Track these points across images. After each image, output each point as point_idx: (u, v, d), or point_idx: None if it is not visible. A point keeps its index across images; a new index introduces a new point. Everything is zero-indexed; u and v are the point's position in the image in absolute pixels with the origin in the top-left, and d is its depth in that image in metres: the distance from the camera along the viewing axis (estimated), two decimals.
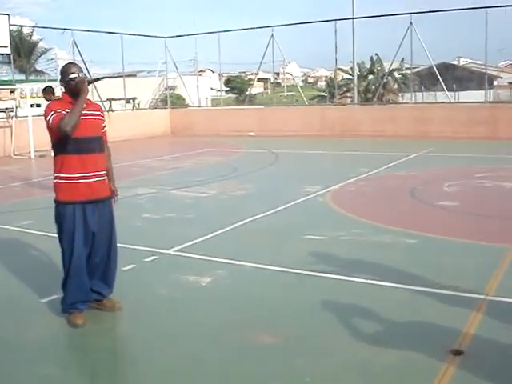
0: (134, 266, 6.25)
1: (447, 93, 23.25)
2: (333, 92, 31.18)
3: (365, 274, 5.76)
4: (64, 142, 4.59)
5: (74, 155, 4.64)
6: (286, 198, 9.84)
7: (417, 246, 6.90)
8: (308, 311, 4.95)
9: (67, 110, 4.55)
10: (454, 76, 37.15)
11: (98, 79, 5.49)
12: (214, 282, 5.75)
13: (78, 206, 4.67)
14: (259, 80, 53.14)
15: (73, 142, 4.58)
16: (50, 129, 4.63)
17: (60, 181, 4.72)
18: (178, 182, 12.11)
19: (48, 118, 4.59)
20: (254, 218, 8.43)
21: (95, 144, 4.76)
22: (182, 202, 10.04)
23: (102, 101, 21.89)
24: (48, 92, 10.85)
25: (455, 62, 43.75)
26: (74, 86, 4.62)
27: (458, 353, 4.03)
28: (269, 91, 62.75)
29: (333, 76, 37.86)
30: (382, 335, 4.40)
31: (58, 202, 4.75)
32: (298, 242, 7.14)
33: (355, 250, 6.71)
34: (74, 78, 4.63)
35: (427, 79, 32.16)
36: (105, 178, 4.88)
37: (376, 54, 36.75)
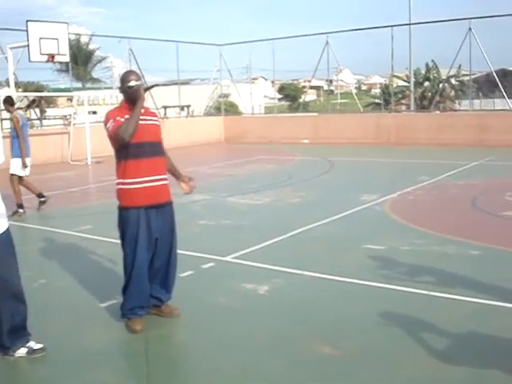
0: (191, 272, 6.22)
1: (507, 100, 22.62)
2: (388, 99, 30.78)
3: (428, 285, 5.58)
4: (125, 148, 4.62)
5: (135, 160, 4.66)
6: (342, 206, 9.68)
7: (481, 257, 6.66)
8: (371, 323, 4.80)
9: (126, 117, 4.58)
10: None
11: (152, 86, 5.52)
12: (272, 290, 5.66)
13: (142, 211, 4.68)
14: (312, 87, 52.97)
15: (134, 147, 4.61)
16: (109, 136, 4.67)
17: (123, 186, 4.73)
18: (233, 189, 12.09)
19: (108, 126, 4.65)
20: (310, 226, 8.31)
21: (155, 148, 4.79)
22: (238, 209, 10.00)
23: (157, 108, 22.16)
24: (7, 102, 9.93)
25: None
26: (132, 94, 4.66)
27: None
28: (322, 98, 62.51)
29: (387, 83, 37.42)
30: (450, 350, 4.22)
31: (121, 208, 4.77)
32: (356, 251, 6.98)
33: (417, 260, 6.52)
34: (132, 85, 4.67)
35: (485, 86, 31.44)
36: (166, 182, 4.89)
37: (432, 61, 36.11)
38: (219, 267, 6.51)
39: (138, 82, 4.70)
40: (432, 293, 5.39)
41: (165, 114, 24.71)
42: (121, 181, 4.75)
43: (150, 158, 4.71)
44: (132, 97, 4.66)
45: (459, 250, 6.88)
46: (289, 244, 7.51)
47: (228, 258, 6.77)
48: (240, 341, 4.55)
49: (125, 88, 4.71)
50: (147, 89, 4.95)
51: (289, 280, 5.99)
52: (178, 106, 26.37)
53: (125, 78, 4.75)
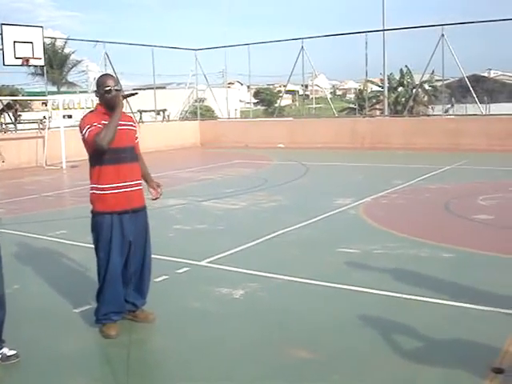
0: (166, 277, 6.22)
1: (479, 105, 22.96)
2: (362, 104, 31.04)
3: (402, 288, 5.64)
4: (100, 153, 4.60)
5: (110, 165, 4.64)
6: (317, 210, 9.74)
7: (454, 260, 6.75)
8: (346, 326, 4.84)
9: (103, 122, 4.55)
10: (485, 88, 36.72)
11: (132, 94, 5.47)
12: (248, 294, 5.68)
13: (116, 216, 4.67)
14: (288, 92, 53.21)
15: (109, 152, 4.58)
16: (85, 141, 4.63)
17: (97, 191, 4.71)
18: (209, 194, 12.10)
19: (84, 132, 4.59)
20: (286, 230, 8.35)
21: (130, 153, 4.77)
22: (213, 214, 10.01)
23: (132, 112, 22.07)
24: None
25: (486, 74, 43.26)
26: (109, 100, 4.63)
27: (499, 371, 3.90)
28: (297, 103, 62.79)
29: (362, 88, 37.74)
30: (423, 352, 4.27)
31: (95, 213, 4.75)
32: (331, 255, 7.04)
33: (391, 263, 6.59)
34: (109, 90, 4.63)
35: (458, 91, 31.83)
36: (140, 187, 4.88)
37: (406, 66, 36.54)
38: (194, 272, 6.50)
39: (116, 87, 4.66)
40: (405, 296, 5.45)
41: (140, 118, 24.62)
42: (95, 186, 4.73)
43: (124, 164, 4.69)
44: (110, 103, 4.62)
45: (432, 254, 6.97)
46: (264, 248, 7.54)
47: (203, 263, 6.77)
48: (215, 345, 4.56)
49: (101, 92, 4.67)
50: (126, 96, 4.92)
51: (264, 284, 6.01)
52: (154, 111, 26.29)
53: (102, 82, 4.70)
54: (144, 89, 29.57)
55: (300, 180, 14.12)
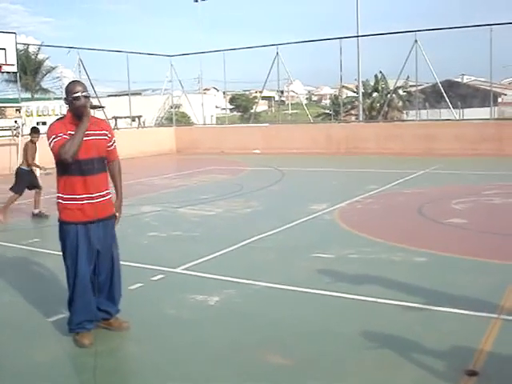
0: (141, 284, 6.18)
1: (452, 110, 23.24)
2: (337, 110, 31.23)
3: (376, 292, 5.68)
4: (66, 164, 4.53)
5: (75, 176, 4.59)
6: (292, 215, 9.77)
7: (427, 264, 6.81)
8: (320, 331, 4.86)
9: (70, 133, 4.48)
10: (459, 93, 37.15)
11: (99, 107, 5.37)
12: (223, 301, 5.68)
13: (81, 226, 4.63)
14: (263, 98, 53.28)
15: (74, 163, 4.53)
16: (51, 151, 4.57)
17: (62, 201, 4.67)
18: (184, 200, 12.07)
19: (49, 142, 4.53)
20: (261, 236, 8.36)
21: (97, 165, 4.68)
22: (189, 220, 9.99)
23: (107, 119, 21.96)
24: None
25: (459, 80, 43.79)
26: (78, 107, 4.56)
27: (472, 373, 3.94)
28: (273, 109, 62.92)
29: (337, 94, 37.97)
30: (397, 356, 4.29)
31: (61, 222, 4.72)
32: (306, 260, 7.06)
33: (365, 268, 6.63)
34: (78, 97, 4.57)
35: (432, 97, 32.17)
36: (108, 197, 4.82)
37: (380, 72, 36.86)
38: (169, 279, 6.48)
39: (85, 94, 4.59)
40: (380, 300, 5.49)
41: (115, 124, 24.49)
42: (61, 195, 4.69)
43: (91, 176, 4.62)
44: (78, 111, 4.56)
45: (406, 257, 7.03)
46: (240, 254, 7.55)
47: (178, 270, 6.75)
48: (191, 352, 4.55)
49: (70, 99, 4.60)
50: (94, 107, 4.86)
51: (239, 290, 6.01)
52: (129, 117, 26.18)
53: (70, 89, 4.62)
54: (119, 95, 29.45)
55: (275, 186, 14.16)
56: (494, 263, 6.77)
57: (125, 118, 26.25)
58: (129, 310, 5.14)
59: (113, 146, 4.95)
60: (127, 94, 26.07)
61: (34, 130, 11.04)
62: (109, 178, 4.91)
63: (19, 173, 10.72)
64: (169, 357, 4.47)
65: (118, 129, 24.09)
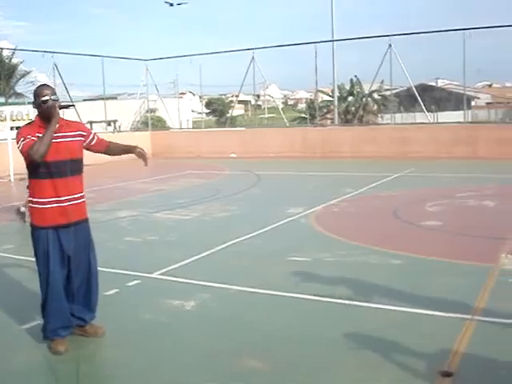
0: (117, 290, 6.14)
1: (426, 113, 23.48)
2: (313, 114, 31.36)
3: (352, 295, 5.71)
4: (36, 167, 4.49)
5: (45, 180, 4.54)
6: (269, 219, 9.79)
7: (403, 266, 6.87)
8: (298, 335, 4.87)
9: (38, 135, 4.43)
10: (433, 97, 37.52)
11: (68, 106, 5.30)
12: (199, 305, 5.66)
13: (52, 230, 4.57)
14: (240, 102, 53.35)
15: (44, 166, 4.48)
16: (21, 153, 4.51)
17: (33, 205, 4.63)
18: (161, 205, 12.02)
19: (18, 145, 4.47)
20: (238, 240, 8.36)
21: (68, 167, 4.61)
22: (165, 225, 9.95)
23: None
24: None
25: (433, 84, 44.25)
26: (46, 110, 4.50)
27: (447, 374, 3.98)
28: (249, 113, 62.98)
29: (313, 98, 38.11)
30: (373, 358, 4.32)
31: (32, 226, 4.67)
32: (282, 264, 7.07)
33: (341, 271, 6.67)
34: (46, 100, 4.50)
35: (406, 100, 32.45)
36: (80, 201, 4.74)
37: (355, 76, 37.08)
38: (145, 284, 6.45)
39: (53, 97, 4.52)
40: (356, 302, 5.53)
41: (90, 129, 24.32)
42: (31, 199, 4.65)
43: (62, 178, 4.56)
44: (46, 113, 4.49)
45: (381, 260, 7.08)
46: (216, 258, 7.53)
47: (154, 275, 6.72)
48: (168, 357, 4.53)
49: (38, 102, 4.53)
50: (63, 107, 4.80)
51: (216, 295, 6.00)
52: (105, 121, 26.02)
53: (38, 92, 4.55)
54: (95, 99, 29.26)
55: (252, 190, 14.17)
56: (468, 265, 6.84)
57: (100, 122, 26.11)
58: (105, 316, 5.10)
59: (95, 139, 4.91)
60: (103, 99, 25.92)
61: None
62: (83, 182, 4.86)
63: None
64: (145, 362, 4.44)
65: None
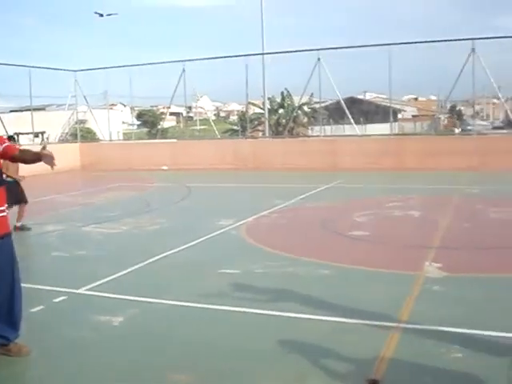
0: (42, 307, 5.97)
1: (355, 126, 24.01)
2: (245, 126, 31.54)
3: (281, 306, 5.77)
4: None
5: None
6: (199, 232, 9.76)
7: (331, 276, 6.98)
8: (226, 348, 4.86)
9: None
10: (361, 110, 38.41)
11: None
12: (128, 321, 5.58)
13: None
14: (171, 114, 53.02)
15: None
16: None
17: None
18: (90, 218, 11.80)
19: None
20: (168, 253, 8.30)
21: None
22: (94, 239, 9.77)
23: (8, 135, 21.18)
24: None
25: (361, 97, 45.27)
26: None
27: (374, 382, 4.06)
28: (181, 125, 62.70)
29: (245, 110, 38.33)
30: (302, 368, 4.37)
31: None
32: (213, 276, 7.07)
33: (270, 282, 6.72)
34: None
35: (335, 113, 33.09)
36: (3, 214, 4.64)
37: (286, 89, 37.54)
38: (72, 300, 6.30)
39: None
40: (286, 314, 5.57)
41: (17, 141, 23.64)
42: None
43: None
44: None
45: (310, 271, 7.17)
46: (146, 272, 7.45)
47: (81, 291, 6.57)
48: (94, 375, 4.44)
49: None
50: None
51: (145, 309, 5.94)
52: (32, 133, 25.36)
53: None
54: (22, 110, 28.51)
55: (183, 202, 14.10)
56: (394, 273, 7.03)
57: (27, 134, 25.42)
58: (29, 334, 4.96)
59: (2, 146, 4.72)
60: (30, 110, 25.27)
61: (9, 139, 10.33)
62: (4, 194, 4.72)
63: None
64: (72, 380, 4.35)
65: (20, 145, 23.27)
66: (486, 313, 5.53)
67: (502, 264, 7.29)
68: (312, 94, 30.50)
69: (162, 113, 49.31)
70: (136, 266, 7.60)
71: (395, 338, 4.89)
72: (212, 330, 5.30)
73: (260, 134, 33.35)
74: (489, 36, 20.43)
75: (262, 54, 26.21)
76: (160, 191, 17.25)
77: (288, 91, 37.30)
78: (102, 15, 40.80)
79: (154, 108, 58.00)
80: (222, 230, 9.93)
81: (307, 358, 4.54)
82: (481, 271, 7.06)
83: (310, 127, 37.35)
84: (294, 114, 33.04)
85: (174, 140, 27.96)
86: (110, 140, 29.25)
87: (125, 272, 7.34)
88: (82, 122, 31.06)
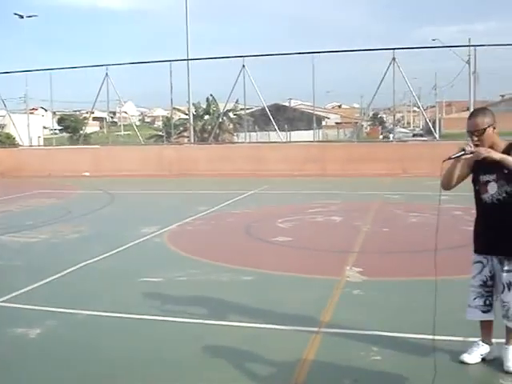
0: None
1: (279, 133, 24.26)
2: (170, 131, 31.31)
3: (203, 314, 5.72)
4: None
5: None
6: (122, 240, 9.58)
7: (253, 282, 7.00)
8: (147, 358, 4.75)
9: None
10: (286, 117, 38.92)
11: None
12: (45, 333, 5.39)
13: None
14: (95, 119, 52.10)
15: None
16: None
17: None
18: (5, 227, 11.37)
19: None
20: (88, 262, 8.09)
21: None
22: (9, 249, 9.40)
23: None
24: None
25: (286, 104, 45.82)
26: None
27: None
28: (105, 130, 61.63)
29: (169, 116, 38.05)
30: (226, 375, 4.33)
31: None
32: (134, 285, 6.94)
33: (193, 290, 6.66)
34: None
35: (261, 120, 33.35)
36: None
37: (211, 95, 37.52)
38: None
39: None
40: (208, 321, 5.54)
41: None
42: None
43: None
44: None
45: (233, 277, 7.16)
46: (65, 282, 7.24)
47: None
48: None
49: None
50: None
51: (63, 321, 5.76)
52: None
53: None
54: None
55: (105, 209, 13.83)
56: (316, 278, 7.12)
57: None
58: None
59: None
60: None
61: None
62: None
63: None
64: None
65: None
66: (403, 315, 5.67)
67: (419, 267, 7.49)
68: (237, 100, 30.63)
69: (85, 118, 48.36)
70: (54, 276, 7.36)
71: (317, 342, 4.94)
72: (132, 341, 5.18)
73: (185, 140, 33.17)
74: (409, 46, 21.16)
75: (187, 59, 26.10)
76: (81, 198, 16.86)
77: (213, 97, 37.30)
78: (22, 17, 39.53)
79: (77, 113, 56.71)
80: (144, 238, 9.78)
81: (230, 364, 4.52)
82: (399, 275, 7.27)
83: (235, 134, 37.46)
84: (220, 121, 33.04)
85: (97, 146, 27.41)
86: (30, 145, 28.37)
87: (42, 282, 7.10)
88: (1, 126, 30.02)
